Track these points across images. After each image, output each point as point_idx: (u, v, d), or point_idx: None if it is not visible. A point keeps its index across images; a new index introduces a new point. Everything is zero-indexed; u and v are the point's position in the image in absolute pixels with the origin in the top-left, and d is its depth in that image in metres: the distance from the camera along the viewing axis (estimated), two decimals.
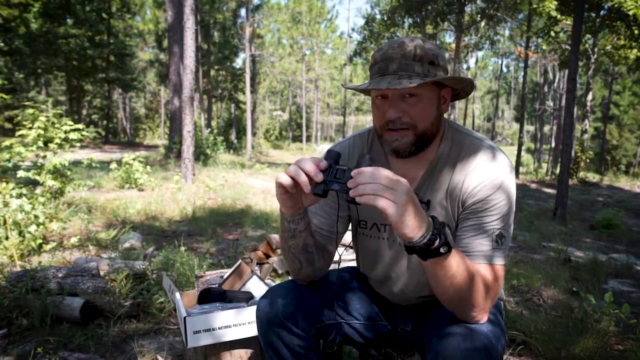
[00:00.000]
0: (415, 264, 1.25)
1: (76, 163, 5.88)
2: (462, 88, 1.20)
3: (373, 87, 1.09)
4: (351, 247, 3.45)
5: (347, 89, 1.23)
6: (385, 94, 1.12)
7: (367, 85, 1.11)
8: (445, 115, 1.25)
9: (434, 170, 1.20)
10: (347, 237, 2.19)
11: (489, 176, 1.12)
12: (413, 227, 0.89)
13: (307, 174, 0.98)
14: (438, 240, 0.92)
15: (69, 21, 23.13)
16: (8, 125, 24.94)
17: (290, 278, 1.37)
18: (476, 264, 1.08)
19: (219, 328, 1.60)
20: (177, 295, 1.77)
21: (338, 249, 3.25)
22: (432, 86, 1.13)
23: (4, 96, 6.52)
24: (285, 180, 1.01)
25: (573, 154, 14.33)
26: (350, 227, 1.40)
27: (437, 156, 1.20)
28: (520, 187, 13.63)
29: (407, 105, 1.11)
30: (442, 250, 0.93)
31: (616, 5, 10.22)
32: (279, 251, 3.18)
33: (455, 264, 0.98)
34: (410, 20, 19.30)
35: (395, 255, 1.28)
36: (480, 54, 41.62)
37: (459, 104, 32.28)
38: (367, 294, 1.40)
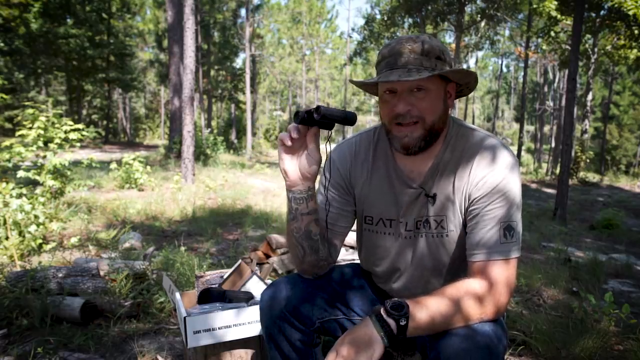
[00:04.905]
0: (420, 258, 1.27)
1: (76, 163, 5.88)
2: (466, 84, 1.22)
3: (384, 80, 1.10)
4: (352, 248, 3.45)
5: (353, 85, 1.26)
6: (394, 88, 1.14)
7: (377, 79, 1.12)
8: None
9: (440, 165, 1.21)
10: (347, 238, 2.19)
11: (493, 169, 1.14)
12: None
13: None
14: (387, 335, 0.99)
15: (69, 21, 23.12)
16: (8, 125, 24.91)
17: (295, 272, 1.37)
18: (466, 282, 1.09)
19: (219, 328, 1.60)
20: (177, 295, 1.77)
21: (342, 249, 3.25)
22: (439, 81, 1.15)
23: (4, 96, 6.51)
24: (283, 134, 1.13)
25: (573, 154, 14.33)
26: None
27: (442, 150, 1.21)
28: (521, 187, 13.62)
29: (416, 99, 1.13)
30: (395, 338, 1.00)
31: (616, 5, 10.22)
32: (279, 251, 3.18)
33: (424, 320, 1.02)
34: (410, 20, 19.30)
35: (400, 249, 1.29)
36: (480, 54, 41.55)
37: (459, 104, 32.28)
38: (369, 290, 1.41)
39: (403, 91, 1.13)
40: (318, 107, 1.06)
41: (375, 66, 1.21)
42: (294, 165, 1.15)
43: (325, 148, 1.30)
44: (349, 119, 1.10)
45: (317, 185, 1.27)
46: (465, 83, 1.21)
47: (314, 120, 1.08)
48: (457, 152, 1.20)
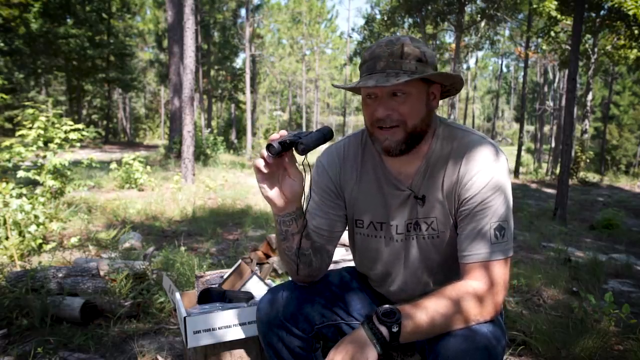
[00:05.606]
0: (413, 260, 1.26)
1: (76, 163, 5.88)
2: (452, 85, 1.21)
3: (361, 86, 1.09)
4: None
5: (342, 89, 1.25)
6: (374, 92, 1.13)
7: (356, 84, 1.11)
8: (445, 115, 1.25)
9: (428, 166, 1.20)
10: (347, 238, 2.19)
11: (481, 169, 1.12)
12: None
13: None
14: (377, 340, 0.99)
15: (69, 21, 23.11)
16: (8, 125, 24.90)
17: (290, 278, 1.37)
18: (463, 282, 1.09)
19: (219, 328, 1.60)
20: (177, 295, 1.77)
21: (340, 249, 3.23)
22: (421, 83, 1.13)
23: (4, 96, 6.52)
24: (258, 161, 1.08)
25: (573, 154, 14.33)
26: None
27: (430, 151, 1.20)
28: (521, 187, 13.63)
29: (396, 103, 1.11)
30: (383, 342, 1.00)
31: (616, 5, 10.22)
32: None
33: (425, 322, 1.02)
34: (410, 20, 19.30)
35: (393, 253, 1.28)
36: (480, 54, 41.56)
37: (459, 104, 32.27)
38: (367, 293, 1.40)
39: (383, 96, 1.12)
40: (298, 144, 1.03)
41: (359, 68, 1.20)
42: (276, 191, 1.13)
43: (303, 166, 1.27)
44: (327, 137, 1.09)
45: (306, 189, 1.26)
46: (450, 84, 1.20)
47: (293, 148, 1.05)
48: (446, 152, 1.18)
